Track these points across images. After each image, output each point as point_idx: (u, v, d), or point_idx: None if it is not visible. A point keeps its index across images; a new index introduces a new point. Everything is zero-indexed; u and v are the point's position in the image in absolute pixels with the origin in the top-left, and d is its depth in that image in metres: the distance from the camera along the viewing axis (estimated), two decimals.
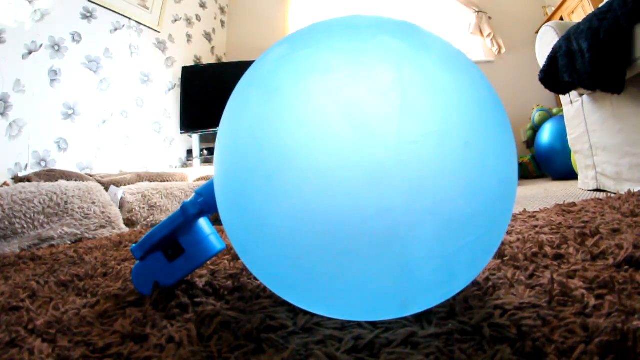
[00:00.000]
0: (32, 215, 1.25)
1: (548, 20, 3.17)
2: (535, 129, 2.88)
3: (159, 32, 3.39)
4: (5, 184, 1.79)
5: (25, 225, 1.23)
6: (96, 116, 2.60)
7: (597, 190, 1.53)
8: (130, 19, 3.04)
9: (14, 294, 0.60)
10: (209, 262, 0.65)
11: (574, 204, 0.99)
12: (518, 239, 0.60)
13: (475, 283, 0.41)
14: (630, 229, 0.63)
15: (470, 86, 0.32)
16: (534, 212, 0.94)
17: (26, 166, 2.21)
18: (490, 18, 3.42)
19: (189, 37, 3.83)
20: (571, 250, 0.52)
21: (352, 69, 0.30)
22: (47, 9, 2.50)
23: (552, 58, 1.46)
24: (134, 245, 0.52)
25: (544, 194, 1.63)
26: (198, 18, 3.98)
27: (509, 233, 0.68)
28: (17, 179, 1.90)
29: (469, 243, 0.29)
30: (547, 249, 0.52)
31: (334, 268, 0.29)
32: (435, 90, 0.30)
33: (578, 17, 2.68)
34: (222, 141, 0.36)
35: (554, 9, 3.10)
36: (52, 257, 0.96)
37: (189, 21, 3.85)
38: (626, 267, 0.43)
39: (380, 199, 0.27)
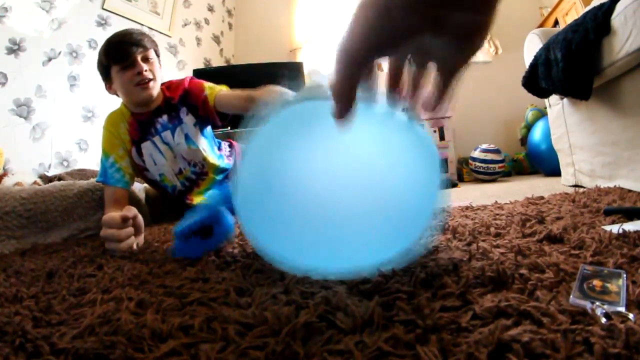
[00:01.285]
0: (71, 209, 1.41)
1: (544, 22, 3.29)
2: (529, 127, 3.02)
3: (170, 36, 3.56)
4: (36, 182, 1.95)
5: (65, 218, 1.40)
6: None
7: (576, 186, 1.67)
8: (142, 24, 3.20)
9: (88, 263, 0.77)
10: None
11: (542, 198, 1.14)
12: (475, 223, 0.75)
13: (426, 248, 0.56)
14: (572, 217, 0.78)
15: None
16: (504, 203, 1.08)
17: (49, 166, 2.38)
18: None
19: (198, 41, 3.99)
20: (511, 230, 0.66)
21: None
22: (63, 18, 2.65)
23: (534, 65, 1.60)
24: (179, 228, 0.70)
25: (527, 189, 1.77)
26: (207, 22, 4.14)
27: (471, 218, 0.83)
28: (45, 178, 2.06)
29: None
30: (492, 229, 0.67)
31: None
32: None
33: (572, 18, 2.78)
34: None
35: (550, 9, 3.22)
36: (94, 242, 1.13)
37: (198, 25, 4.01)
38: (544, 241, 0.58)
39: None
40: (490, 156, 2.60)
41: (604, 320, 0.28)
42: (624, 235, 0.54)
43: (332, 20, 4.05)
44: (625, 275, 0.38)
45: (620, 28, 1.16)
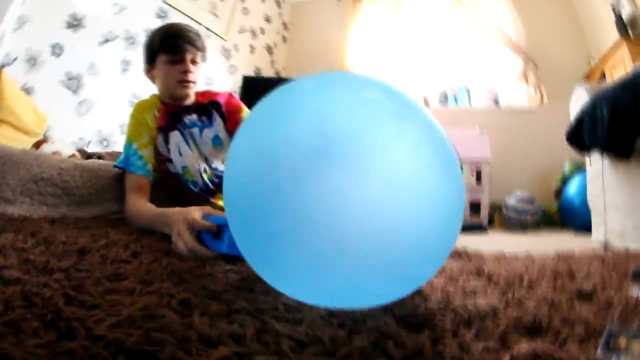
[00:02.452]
0: (106, 189, 1.46)
1: (591, 73, 3.24)
2: (565, 180, 2.96)
3: (225, 40, 3.67)
4: (73, 155, 2.03)
5: (98, 197, 1.45)
6: None
7: (605, 245, 1.64)
8: (200, 24, 3.31)
9: (122, 248, 0.80)
10: None
11: (572, 254, 1.13)
12: (508, 272, 0.76)
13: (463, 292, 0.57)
14: (601, 276, 0.77)
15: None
16: (535, 256, 1.08)
17: (89, 142, 2.48)
18: (536, 66, 3.51)
19: (252, 48, 4.10)
20: (543, 283, 0.67)
21: None
22: (125, 4, 2.77)
23: (579, 120, 1.59)
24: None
25: (557, 243, 1.75)
26: (262, 31, 4.26)
27: (504, 268, 0.83)
28: (83, 153, 2.14)
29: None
30: (525, 281, 0.67)
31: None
32: None
33: (619, 73, 2.74)
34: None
35: (597, 59, 3.16)
36: (125, 226, 1.16)
37: (253, 33, 4.13)
38: (575, 297, 0.59)
39: None
40: (524, 206, 2.57)
41: None
42: None
43: (385, 48, 4.10)
44: None
45: None
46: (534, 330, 0.42)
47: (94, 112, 2.52)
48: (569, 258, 1.05)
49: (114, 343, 0.34)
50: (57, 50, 2.31)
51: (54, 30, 2.31)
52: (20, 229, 0.92)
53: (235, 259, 0.74)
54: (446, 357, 0.33)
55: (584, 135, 1.53)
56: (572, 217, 2.65)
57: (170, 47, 1.40)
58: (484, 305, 0.49)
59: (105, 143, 2.57)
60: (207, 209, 0.93)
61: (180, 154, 1.48)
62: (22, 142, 1.93)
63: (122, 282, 0.54)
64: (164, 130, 1.47)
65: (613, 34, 2.83)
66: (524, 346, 0.36)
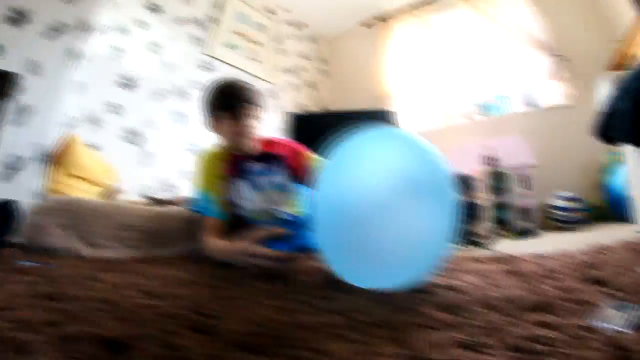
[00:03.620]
0: (181, 231, 1.69)
1: (619, 60, 3.15)
2: (608, 172, 2.92)
3: (270, 82, 3.94)
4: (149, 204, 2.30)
5: (175, 238, 1.68)
6: None
7: None
8: (243, 70, 3.61)
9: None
10: None
11: (608, 247, 1.21)
12: (538, 269, 0.88)
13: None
14: (625, 264, 0.87)
15: None
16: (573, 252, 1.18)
17: (153, 189, 2.76)
18: (568, 61, 3.49)
19: (296, 86, 4.35)
20: (567, 274, 0.79)
21: None
22: (172, 62, 3.08)
23: (604, 113, 1.64)
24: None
25: (602, 238, 1.79)
26: (304, 69, 4.52)
27: (538, 266, 0.95)
28: (154, 199, 2.40)
29: None
30: (554, 274, 0.80)
31: None
32: None
33: None
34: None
35: (621, 44, 3.07)
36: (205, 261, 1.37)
37: (295, 72, 4.39)
38: (590, 282, 0.71)
39: None
40: (569, 204, 2.56)
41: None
42: None
43: (421, 69, 4.24)
44: (637, 309, 0.51)
45: None
46: (544, 308, 0.56)
47: (155, 161, 2.82)
48: (603, 250, 1.14)
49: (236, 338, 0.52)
50: (117, 109, 2.62)
51: (111, 91, 2.63)
52: (121, 269, 1.14)
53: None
54: (474, 326, 0.48)
55: (610, 128, 1.58)
56: (616, 208, 2.61)
57: (232, 108, 1.54)
58: (508, 293, 0.63)
59: (165, 188, 2.86)
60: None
61: (249, 200, 1.60)
62: (95, 194, 2.23)
63: (234, 301, 0.73)
64: (233, 178, 1.60)
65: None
66: (532, 316, 0.51)
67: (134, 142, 2.71)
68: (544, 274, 0.81)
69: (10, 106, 1.72)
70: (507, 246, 2.11)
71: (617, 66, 3.03)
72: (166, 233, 1.70)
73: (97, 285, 0.92)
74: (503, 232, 2.86)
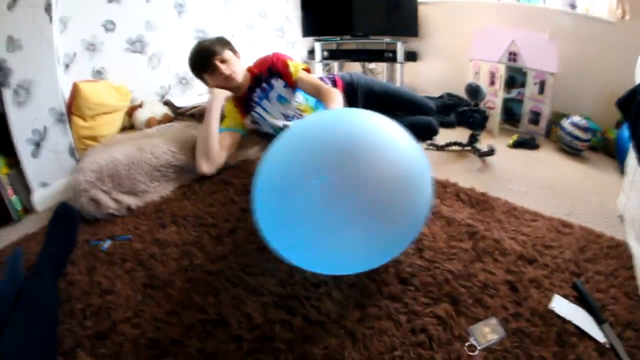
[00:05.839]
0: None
1: None
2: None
3: None
4: (166, 115, 2.35)
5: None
6: (225, 32, 2.71)
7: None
8: None
9: None
10: None
11: (571, 226, 1.38)
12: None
13: None
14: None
15: None
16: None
17: (169, 87, 2.76)
18: None
19: None
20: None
21: None
22: None
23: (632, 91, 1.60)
24: None
25: (587, 189, 1.95)
26: None
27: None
28: (172, 107, 2.44)
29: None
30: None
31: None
32: None
33: None
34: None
35: None
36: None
37: None
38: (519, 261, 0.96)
39: None
40: (576, 132, 2.49)
41: None
42: None
43: None
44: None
45: None
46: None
47: (165, 61, 2.73)
48: (564, 232, 1.35)
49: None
50: (109, 25, 2.40)
51: (100, 11, 2.36)
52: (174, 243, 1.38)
53: None
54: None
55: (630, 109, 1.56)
56: (623, 153, 2.25)
57: (202, 68, 1.84)
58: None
59: (184, 81, 2.83)
60: None
61: (264, 123, 1.98)
62: (116, 120, 2.28)
63: None
64: (245, 114, 1.99)
65: None
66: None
67: (137, 51, 2.57)
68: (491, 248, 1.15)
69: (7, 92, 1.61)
70: (503, 155, 2.35)
71: None
72: (193, 159, 1.88)
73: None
74: (509, 128, 2.96)
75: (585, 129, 2.51)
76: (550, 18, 2.89)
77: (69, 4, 2.07)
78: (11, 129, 1.63)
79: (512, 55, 2.86)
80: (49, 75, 1.79)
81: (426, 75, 3.74)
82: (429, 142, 2.40)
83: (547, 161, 2.42)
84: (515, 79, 2.97)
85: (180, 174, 1.88)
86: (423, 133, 2.07)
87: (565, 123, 2.59)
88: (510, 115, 3.06)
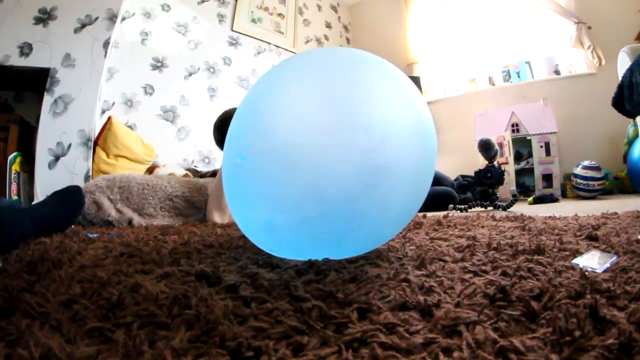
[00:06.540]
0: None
1: None
2: (631, 143, 2.93)
3: (294, 52, 4.06)
4: (186, 175, 2.49)
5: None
6: None
7: None
8: (269, 43, 3.72)
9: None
10: None
11: (615, 213, 1.32)
12: (545, 226, 1.01)
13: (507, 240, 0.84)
14: (624, 228, 0.99)
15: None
16: (581, 216, 1.30)
17: (192, 161, 2.95)
18: (589, 28, 3.42)
19: None
20: (569, 232, 0.92)
21: None
22: (199, 39, 3.21)
23: (620, 86, 1.70)
24: None
25: (617, 207, 1.88)
26: (326, 37, 4.65)
27: (548, 224, 1.08)
28: (194, 172, 2.59)
29: None
30: (556, 231, 0.93)
31: None
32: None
33: None
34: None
35: None
36: None
37: (318, 41, 4.52)
38: (585, 239, 0.83)
39: None
40: (590, 173, 2.58)
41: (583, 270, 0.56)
42: None
43: (443, 35, 4.28)
44: (615, 258, 0.64)
45: None
46: (538, 252, 0.69)
47: (192, 135, 3.00)
48: (610, 216, 1.26)
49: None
50: (149, 90, 2.78)
51: (143, 74, 2.78)
52: (177, 232, 1.30)
53: None
54: (478, 260, 0.62)
55: (625, 100, 1.64)
56: (638, 180, 2.61)
57: (227, 128, 1.92)
58: (510, 241, 0.76)
59: (207, 160, 3.04)
60: None
61: None
62: (137, 171, 2.42)
63: None
64: None
65: None
66: (525, 256, 0.64)
67: (168, 120, 2.88)
68: (547, 230, 0.95)
69: (48, 99, 1.85)
70: (525, 209, 2.22)
71: None
72: (206, 200, 1.88)
73: (165, 242, 1.09)
74: (524, 197, 2.95)
75: (597, 168, 2.54)
76: (540, 88, 3.18)
77: (119, 58, 2.44)
78: (38, 134, 1.76)
79: (515, 127, 3.04)
80: (90, 99, 2.00)
81: (438, 167, 3.88)
82: (451, 206, 2.42)
83: (571, 204, 2.36)
84: (521, 153, 3.09)
85: (192, 212, 1.90)
86: (444, 200, 2.45)
87: (577, 169, 2.63)
88: (524, 188, 3.09)
